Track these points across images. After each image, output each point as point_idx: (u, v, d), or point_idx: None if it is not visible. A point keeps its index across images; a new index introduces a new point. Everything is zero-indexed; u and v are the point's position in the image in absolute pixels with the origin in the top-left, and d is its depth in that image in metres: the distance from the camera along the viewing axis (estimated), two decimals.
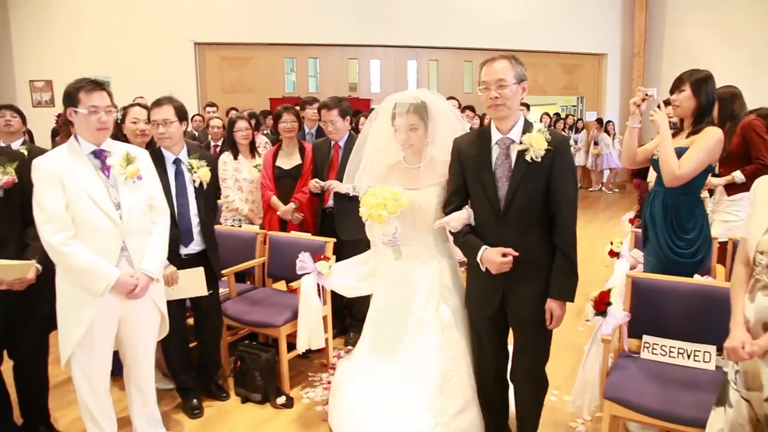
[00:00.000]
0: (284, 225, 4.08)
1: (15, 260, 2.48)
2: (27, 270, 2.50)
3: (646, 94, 2.77)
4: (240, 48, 10.58)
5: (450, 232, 2.54)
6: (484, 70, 2.30)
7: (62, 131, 3.43)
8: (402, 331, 2.70)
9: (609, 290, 2.48)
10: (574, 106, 13.36)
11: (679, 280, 2.60)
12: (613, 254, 3.60)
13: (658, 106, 2.79)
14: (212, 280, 3.15)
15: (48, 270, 2.53)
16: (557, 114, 11.64)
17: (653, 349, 2.57)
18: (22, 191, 2.60)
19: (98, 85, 2.44)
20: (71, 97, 2.40)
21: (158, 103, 3.03)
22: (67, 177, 2.35)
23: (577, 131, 11.92)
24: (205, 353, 3.33)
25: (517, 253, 2.28)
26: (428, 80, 11.51)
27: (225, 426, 3.05)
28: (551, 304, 2.32)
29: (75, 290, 2.39)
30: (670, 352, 2.53)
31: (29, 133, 4.73)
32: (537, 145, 2.22)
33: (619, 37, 11.95)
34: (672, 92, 2.79)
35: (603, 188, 12.18)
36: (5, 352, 2.74)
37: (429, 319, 2.66)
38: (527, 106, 9.32)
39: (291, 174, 4.09)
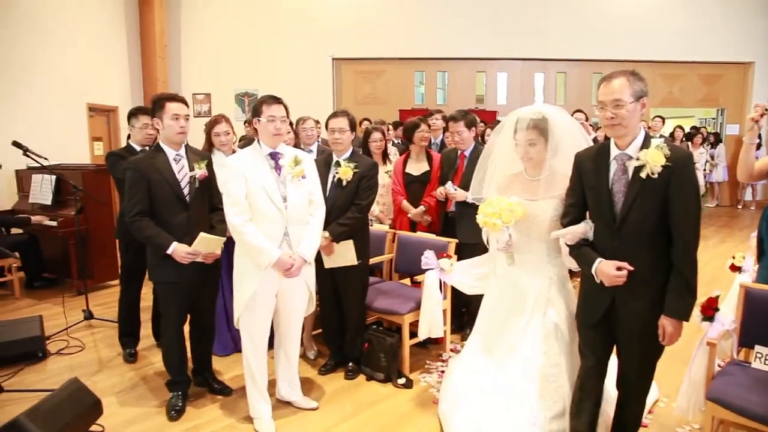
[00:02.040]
0: (413, 226, 4.49)
1: (213, 235, 3.14)
2: (219, 245, 3.18)
3: (766, 109, 2.81)
4: (373, 62, 11.28)
5: (566, 243, 2.56)
6: (601, 89, 2.30)
7: (205, 139, 4.12)
8: (509, 333, 2.87)
9: (717, 296, 2.58)
10: (713, 118, 12.58)
11: None
12: (735, 269, 3.60)
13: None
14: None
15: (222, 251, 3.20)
16: (695, 127, 11.07)
17: (765, 359, 2.62)
18: (209, 183, 3.27)
19: (276, 100, 3.02)
20: (256, 110, 3.02)
21: (335, 114, 3.62)
22: (249, 173, 2.95)
23: (713, 146, 11.23)
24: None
25: (632, 268, 2.27)
26: (555, 92, 11.49)
27: (352, 397, 3.49)
28: (664, 321, 2.28)
29: (246, 263, 2.98)
30: None
31: None
32: (653, 161, 2.19)
33: None
34: None
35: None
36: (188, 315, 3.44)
37: (535, 324, 2.79)
38: (662, 119, 9.06)
39: (420, 180, 4.50)
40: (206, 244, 3.11)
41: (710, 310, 2.59)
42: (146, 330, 4.33)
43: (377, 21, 10.96)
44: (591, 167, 2.40)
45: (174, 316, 3.25)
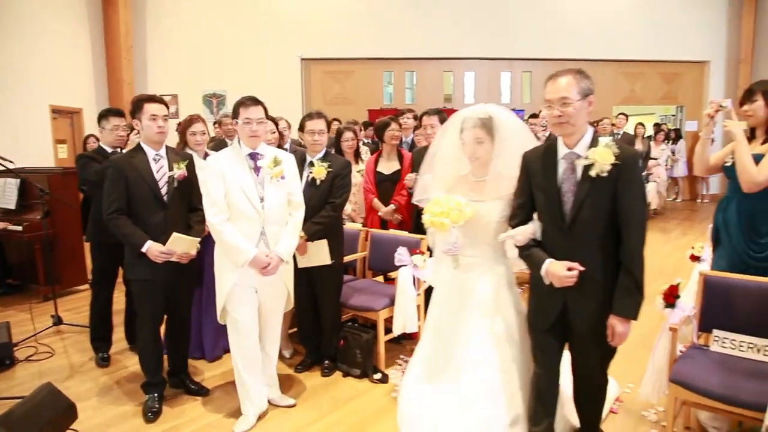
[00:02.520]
0: (384, 224, 4.55)
1: (186, 235, 3.16)
2: (194, 246, 3.21)
3: (721, 106, 2.95)
4: (342, 63, 11.32)
5: (515, 245, 2.51)
6: (548, 87, 2.28)
7: (179, 138, 4.12)
8: (456, 341, 2.75)
9: (678, 284, 2.71)
10: (673, 115, 12.99)
11: (750, 279, 2.78)
12: (695, 258, 3.76)
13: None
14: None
15: (199, 253, 3.22)
16: (657, 124, 11.40)
17: (723, 342, 2.76)
18: (189, 183, 3.29)
19: (254, 102, 3.04)
20: (234, 111, 3.05)
21: (311, 116, 3.67)
22: (228, 173, 2.99)
23: (674, 142, 11.59)
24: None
25: (582, 268, 2.25)
26: (521, 91, 11.69)
27: (329, 394, 3.53)
28: (613, 320, 2.26)
29: (225, 260, 3.03)
30: (740, 346, 2.71)
31: None
32: (602, 159, 2.17)
33: (724, 43, 11.56)
34: (743, 103, 2.95)
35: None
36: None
37: (483, 331, 2.68)
38: (626, 116, 9.31)
39: (391, 179, 4.57)
40: (180, 244, 3.14)
41: (672, 298, 2.72)
42: (118, 334, 4.29)
43: (346, 21, 11.00)
44: (539, 167, 2.38)
45: (148, 314, 3.26)
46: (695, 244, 3.75)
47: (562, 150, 2.32)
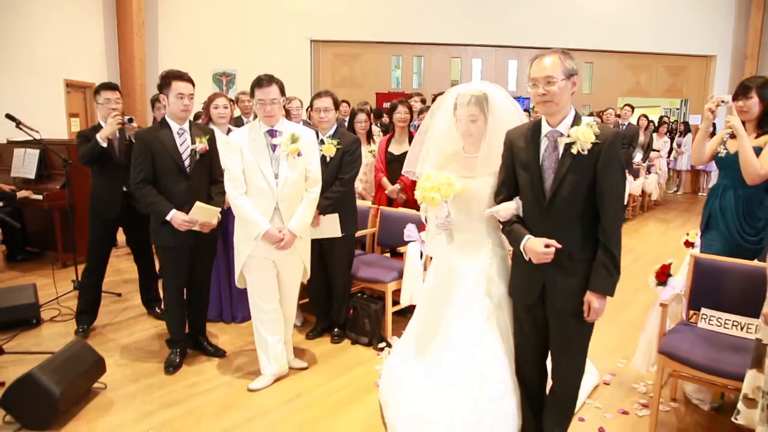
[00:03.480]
0: (390, 202, 4.75)
1: (208, 205, 3.35)
2: (215, 215, 3.40)
3: (722, 101, 3.12)
4: (351, 45, 11.43)
5: (499, 220, 2.56)
6: (533, 67, 2.31)
7: (204, 114, 4.32)
8: (449, 315, 2.79)
9: (670, 263, 2.91)
10: (677, 108, 13.12)
11: (737, 261, 2.97)
12: (689, 244, 3.94)
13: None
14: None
15: (222, 220, 3.44)
16: (660, 118, 11.53)
17: (710, 320, 2.96)
18: (210, 157, 3.47)
19: (269, 82, 3.14)
20: (252, 90, 3.19)
21: (319, 95, 3.86)
22: (246, 149, 3.15)
23: (681, 135, 11.73)
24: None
25: (559, 245, 2.28)
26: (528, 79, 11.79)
27: (339, 359, 3.75)
28: (589, 297, 2.29)
29: (243, 230, 3.22)
30: (725, 323, 2.91)
31: None
32: (584, 138, 2.21)
33: (731, 38, 11.65)
34: (737, 98, 3.11)
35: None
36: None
37: (476, 305, 2.71)
38: (632, 108, 9.44)
39: (399, 159, 4.73)
40: (202, 213, 3.32)
41: (663, 276, 2.92)
42: (136, 300, 4.51)
43: (356, 4, 11.10)
44: (522, 144, 2.41)
45: (173, 278, 3.48)
46: (690, 231, 3.93)
47: (545, 128, 2.36)
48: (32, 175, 5.89)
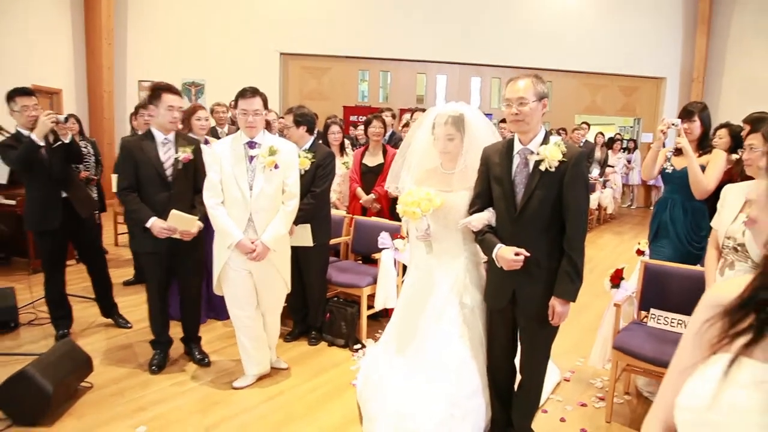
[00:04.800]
0: (364, 212, 4.97)
1: (186, 214, 3.45)
2: (193, 224, 3.47)
3: (672, 124, 3.46)
4: (319, 59, 11.62)
5: (472, 230, 2.75)
6: (508, 88, 2.50)
7: (185, 125, 4.31)
8: (425, 319, 2.96)
9: (623, 268, 3.23)
10: (631, 126, 13.78)
11: (682, 267, 3.32)
12: (640, 252, 4.29)
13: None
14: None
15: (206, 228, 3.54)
16: (611, 137, 12.09)
17: (658, 319, 3.29)
18: (195, 167, 3.58)
19: (252, 94, 3.22)
20: (235, 101, 3.31)
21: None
22: (225, 159, 3.24)
23: (630, 152, 12.34)
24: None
25: (528, 254, 2.47)
26: (490, 96, 12.24)
27: (316, 360, 3.94)
28: (554, 302, 2.50)
29: (221, 239, 3.31)
30: (671, 322, 3.24)
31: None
32: (551, 156, 2.41)
33: (679, 61, 12.31)
34: (683, 121, 3.47)
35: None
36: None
37: (451, 310, 2.89)
38: (588, 125, 9.96)
39: (374, 171, 4.99)
40: (179, 221, 3.41)
41: (617, 279, 3.24)
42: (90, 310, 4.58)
43: (325, 19, 11.32)
44: (497, 160, 2.59)
45: (154, 283, 3.60)
46: (641, 240, 4.28)
47: (517, 146, 2.55)
48: (4, 180, 5.87)
